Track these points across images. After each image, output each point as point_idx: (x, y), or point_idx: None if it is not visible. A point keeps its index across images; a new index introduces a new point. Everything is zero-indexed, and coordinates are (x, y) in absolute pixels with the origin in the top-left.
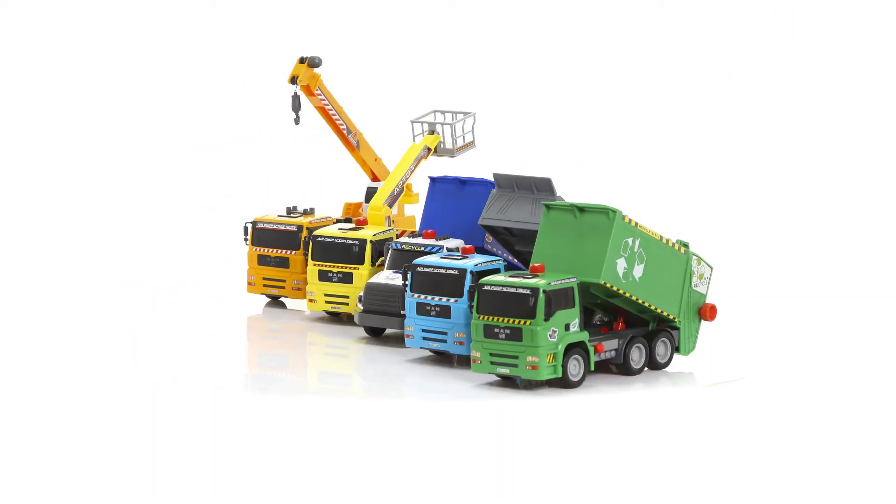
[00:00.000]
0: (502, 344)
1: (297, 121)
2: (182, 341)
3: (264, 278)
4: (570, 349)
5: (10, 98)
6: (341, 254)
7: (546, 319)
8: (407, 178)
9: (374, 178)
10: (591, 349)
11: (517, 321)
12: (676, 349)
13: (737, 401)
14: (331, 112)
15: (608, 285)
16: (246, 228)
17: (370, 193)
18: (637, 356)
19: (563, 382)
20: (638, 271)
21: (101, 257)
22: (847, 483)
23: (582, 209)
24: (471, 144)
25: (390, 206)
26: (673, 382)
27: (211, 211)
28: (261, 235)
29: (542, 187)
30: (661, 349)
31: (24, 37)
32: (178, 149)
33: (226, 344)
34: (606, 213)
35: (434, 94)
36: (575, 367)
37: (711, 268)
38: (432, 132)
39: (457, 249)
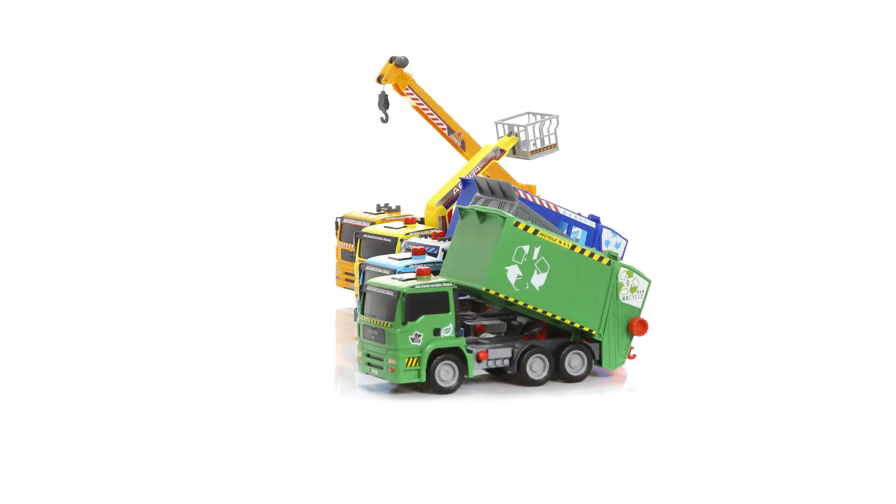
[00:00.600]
0: (372, 345)
1: (383, 119)
2: (268, 334)
3: (346, 273)
4: (442, 354)
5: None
6: (378, 251)
7: (405, 323)
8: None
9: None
10: (471, 356)
11: (382, 323)
12: (599, 362)
13: (727, 404)
14: (426, 111)
15: (492, 292)
16: (336, 223)
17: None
18: (539, 367)
19: (434, 388)
20: (538, 280)
21: (199, 251)
22: (838, 486)
23: (482, 214)
24: (550, 148)
25: (446, 206)
26: (667, 385)
27: (312, 205)
28: (347, 231)
29: (506, 193)
30: (576, 361)
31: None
32: (281, 144)
33: (311, 338)
34: (500, 219)
35: (534, 95)
36: (447, 374)
37: (648, 281)
38: (511, 133)
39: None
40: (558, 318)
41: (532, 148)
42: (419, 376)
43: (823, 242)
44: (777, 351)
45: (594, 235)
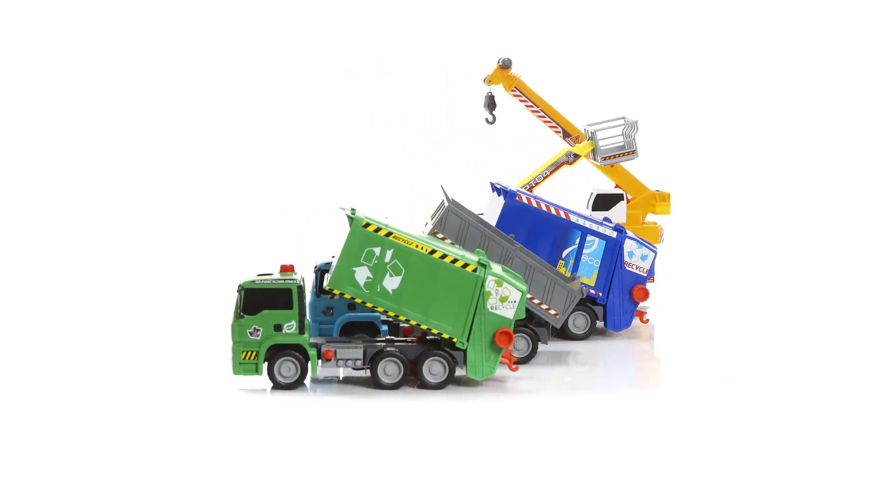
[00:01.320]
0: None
1: (488, 120)
2: None
3: None
4: (283, 350)
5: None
6: None
7: (242, 316)
8: (537, 183)
9: (618, 186)
10: (314, 354)
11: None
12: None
13: (727, 404)
14: (536, 112)
15: (336, 292)
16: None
17: (598, 200)
18: (393, 370)
19: (274, 383)
20: (391, 283)
21: (202, 249)
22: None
23: (351, 216)
24: (626, 154)
25: None
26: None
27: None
28: None
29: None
30: (437, 368)
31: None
32: (284, 144)
33: None
34: (349, 219)
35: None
36: (289, 370)
37: (522, 291)
38: (590, 138)
39: None
40: (413, 322)
41: (606, 153)
42: (256, 370)
43: (824, 243)
44: (777, 351)
45: (614, 246)
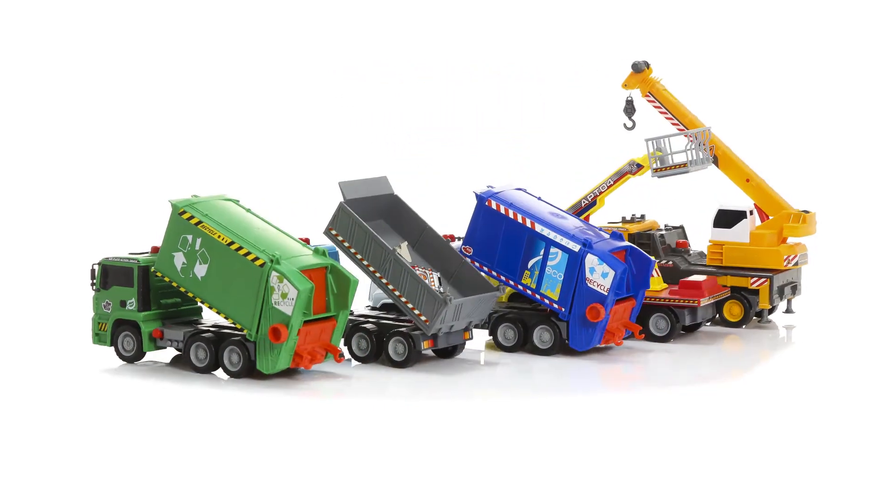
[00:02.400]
0: None
1: (626, 126)
2: None
3: None
4: (123, 325)
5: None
6: None
7: (97, 290)
8: (601, 192)
9: (760, 212)
10: (147, 331)
11: None
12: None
13: (719, 405)
14: (669, 118)
15: (158, 274)
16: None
17: (719, 216)
18: (202, 355)
19: (118, 354)
20: (200, 270)
21: None
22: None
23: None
24: (678, 167)
25: (577, 216)
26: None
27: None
28: None
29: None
30: (234, 357)
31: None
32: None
33: None
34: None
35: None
36: (128, 344)
37: (298, 289)
38: (658, 149)
39: None
40: (215, 310)
41: (658, 165)
42: (108, 342)
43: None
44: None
45: (576, 260)
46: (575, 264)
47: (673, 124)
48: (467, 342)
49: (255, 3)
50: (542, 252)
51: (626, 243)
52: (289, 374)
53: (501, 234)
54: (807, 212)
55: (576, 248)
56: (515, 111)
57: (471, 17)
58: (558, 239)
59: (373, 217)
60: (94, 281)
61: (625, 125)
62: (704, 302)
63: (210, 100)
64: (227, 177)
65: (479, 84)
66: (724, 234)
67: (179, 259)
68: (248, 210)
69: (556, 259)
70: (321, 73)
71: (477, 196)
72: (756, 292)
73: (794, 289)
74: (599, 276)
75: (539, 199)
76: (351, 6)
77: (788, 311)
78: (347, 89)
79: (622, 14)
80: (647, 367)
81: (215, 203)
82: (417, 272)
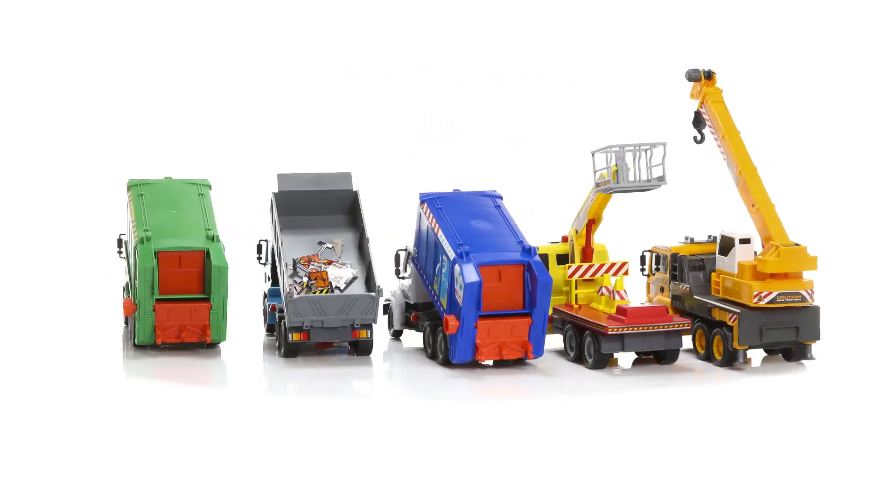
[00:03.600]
0: None
1: (696, 139)
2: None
3: None
4: None
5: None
6: None
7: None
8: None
9: (766, 238)
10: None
11: None
12: None
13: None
14: (714, 137)
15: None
16: (643, 258)
17: (720, 243)
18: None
19: None
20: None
21: None
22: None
23: None
24: (650, 182)
25: (577, 230)
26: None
27: None
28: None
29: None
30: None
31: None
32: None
33: None
34: None
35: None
36: None
37: (139, 267)
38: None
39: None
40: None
41: (598, 179)
42: None
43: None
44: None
45: (451, 269)
46: (451, 273)
47: (716, 143)
48: (395, 342)
49: (255, 4)
50: (441, 258)
51: (521, 258)
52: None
53: (425, 237)
54: (796, 244)
55: (452, 256)
56: (515, 111)
57: (471, 16)
58: (445, 246)
59: (333, 211)
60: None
61: (694, 139)
62: (618, 330)
63: (209, 100)
64: (228, 177)
65: (479, 84)
66: (722, 263)
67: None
68: (202, 195)
69: (445, 267)
70: (321, 73)
71: (420, 198)
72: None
73: (797, 331)
74: (459, 287)
75: (497, 206)
76: (351, 6)
77: (805, 357)
78: (347, 89)
79: (622, 14)
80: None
81: (162, 184)
82: (333, 267)
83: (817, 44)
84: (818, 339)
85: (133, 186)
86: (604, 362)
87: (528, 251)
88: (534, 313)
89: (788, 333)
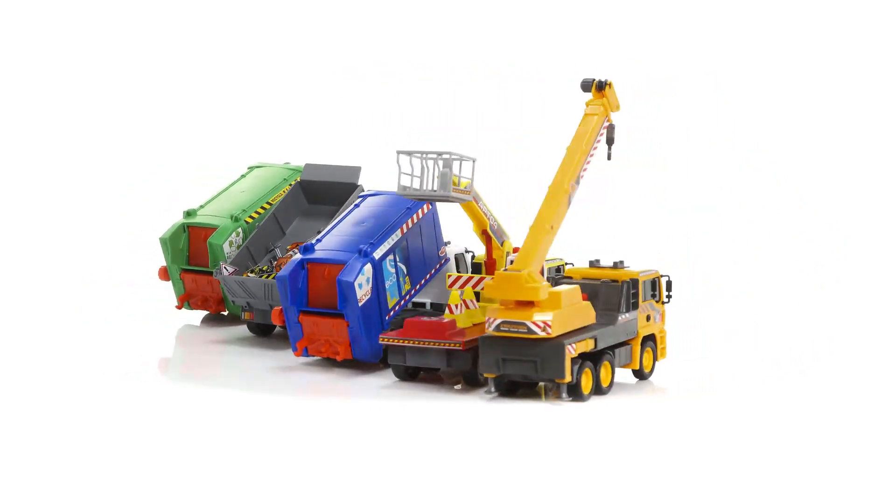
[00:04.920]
0: None
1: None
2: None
3: None
4: None
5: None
6: None
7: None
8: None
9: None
10: None
11: None
12: None
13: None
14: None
15: None
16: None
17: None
18: None
19: None
20: None
21: None
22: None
23: None
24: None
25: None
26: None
27: None
28: None
29: None
30: None
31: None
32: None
33: None
34: None
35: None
36: None
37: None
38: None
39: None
40: None
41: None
42: None
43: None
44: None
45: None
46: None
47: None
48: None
49: (255, 4)
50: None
51: (342, 259)
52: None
53: None
54: (560, 271)
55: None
56: (515, 111)
57: (471, 17)
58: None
59: (340, 203)
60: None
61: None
62: (392, 341)
63: (209, 100)
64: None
65: (479, 84)
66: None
67: None
68: (286, 180)
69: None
70: (321, 73)
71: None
72: None
73: (535, 365)
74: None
75: (409, 208)
76: (351, 6)
77: (559, 397)
78: (347, 89)
79: (621, 15)
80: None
81: (271, 169)
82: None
83: (817, 44)
84: (562, 377)
85: (249, 168)
86: (400, 372)
87: (363, 253)
88: (346, 313)
89: (528, 367)
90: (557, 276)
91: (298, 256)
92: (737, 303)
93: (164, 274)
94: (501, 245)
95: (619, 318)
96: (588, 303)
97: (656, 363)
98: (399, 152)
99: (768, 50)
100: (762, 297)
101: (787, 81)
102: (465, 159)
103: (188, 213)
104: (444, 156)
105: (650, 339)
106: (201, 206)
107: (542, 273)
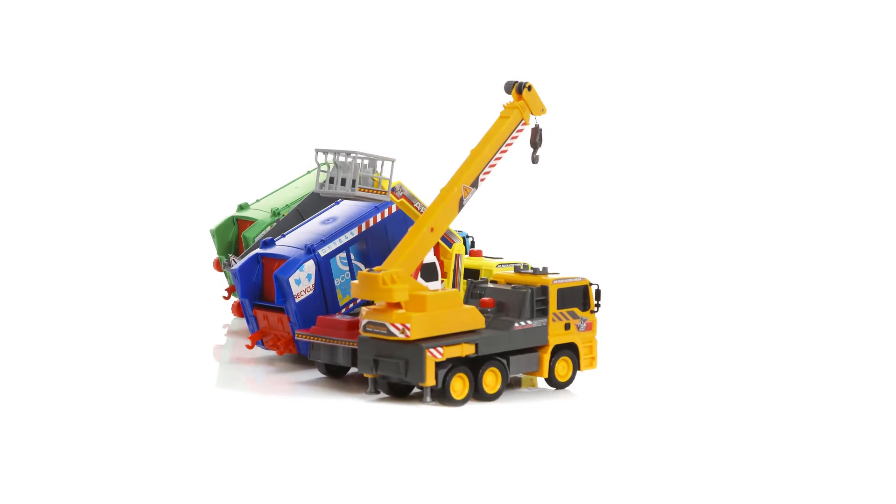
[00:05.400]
0: None
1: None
2: None
3: None
4: None
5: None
6: None
7: None
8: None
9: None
10: None
11: None
12: None
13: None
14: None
15: None
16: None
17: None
18: None
19: None
20: None
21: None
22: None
23: None
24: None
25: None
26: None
27: None
28: None
29: None
30: None
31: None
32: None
33: None
34: None
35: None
36: None
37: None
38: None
39: None
40: None
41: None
42: None
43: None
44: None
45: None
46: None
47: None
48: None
49: (255, 4)
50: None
51: (285, 255)
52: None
53: None
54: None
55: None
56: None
57: (471, 17)
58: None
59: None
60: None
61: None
62: (306, 337)
63: (209, 100)
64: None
65: (480, 84)
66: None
67: None
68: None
69: (303, 269)
70: (320, 74)
71: None
72: None
73: (405, 367)
74: (294, 283)
75: (376, 207)
76: (351, 6)
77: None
78: (347, 90)
79: (621, 16)
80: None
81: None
82: None
83: (817, 43)
84: (422, 381)
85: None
86: (322, 368)
87: (308, 250)
88: (285, 308)
89: (395, 368)
90: (478, 281)
91: (257, 250)
92: (697, 314)
93: (218, 265)
94: (450, 247)
95: (516, 325)
96: (472, 307)
97: (578, 372)
98: (317, 150)
99: (767, 49)
100: (721, 308)
101: (787, 81)
102: (382, 159)
103: (241, 207)
104: (359, 155)
105: (568, 348)
106: (257, 201)
107: (419, 274)
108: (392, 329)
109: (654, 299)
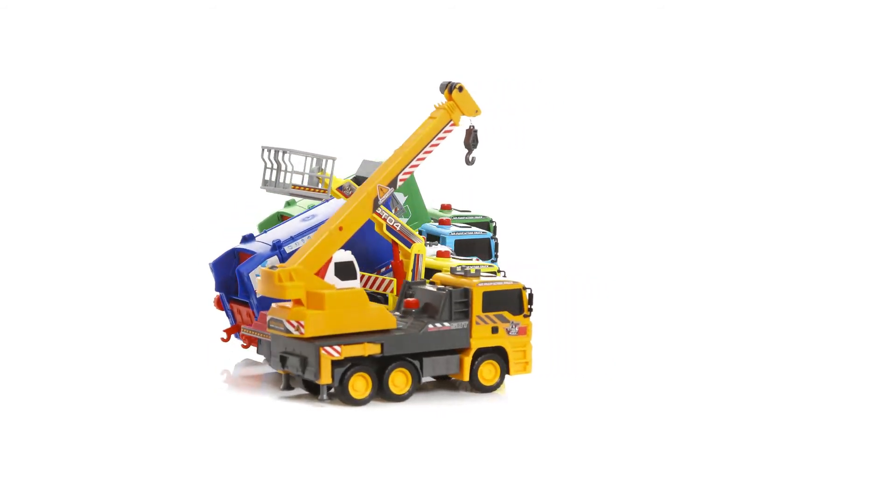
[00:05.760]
0: None
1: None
2: None
3: None
4: None
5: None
6: None
7: None
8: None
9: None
10: None
11: None
12: None
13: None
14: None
15: None
16: None
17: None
18: None
19: None
20: None
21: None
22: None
23: None
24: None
25: None
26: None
27: None
28: None
29: None
30: None
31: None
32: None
33: None
34: None
35: None
36: None
37: None
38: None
39: None
40: None
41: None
42: None
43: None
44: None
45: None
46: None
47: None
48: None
49: (255, 4)
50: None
51: (253, 250)
52: None
53: None
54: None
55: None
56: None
57: (471, 17)
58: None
59: None
60: None
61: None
62: (251, 333)
63: (209, 100)
64: (223, 180)
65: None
66: None
67: None
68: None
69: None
70: (321, 73)
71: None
72: None
73: (305, 363)
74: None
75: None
76: (352, 7)
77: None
78: (347, 89)
79: (620, 17)
80: None
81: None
82: None
83: (817, 43)
84: (317, 379)
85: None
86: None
87: (274, 246)
88: (249, 302)
89: (298, 365)
90: (414, 282)
91: (235, 245)
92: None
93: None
94: (409, 247)
95: (430, 326)
96: (380, 306)
97: (506, 376)
98: (263, 147)
99: (766, 49)
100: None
101: (787, 81)
102: (326, 157)
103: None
104: (300, 153)
105: (495, 352)
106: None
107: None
108: (287, 326)
109: (654, 299)
